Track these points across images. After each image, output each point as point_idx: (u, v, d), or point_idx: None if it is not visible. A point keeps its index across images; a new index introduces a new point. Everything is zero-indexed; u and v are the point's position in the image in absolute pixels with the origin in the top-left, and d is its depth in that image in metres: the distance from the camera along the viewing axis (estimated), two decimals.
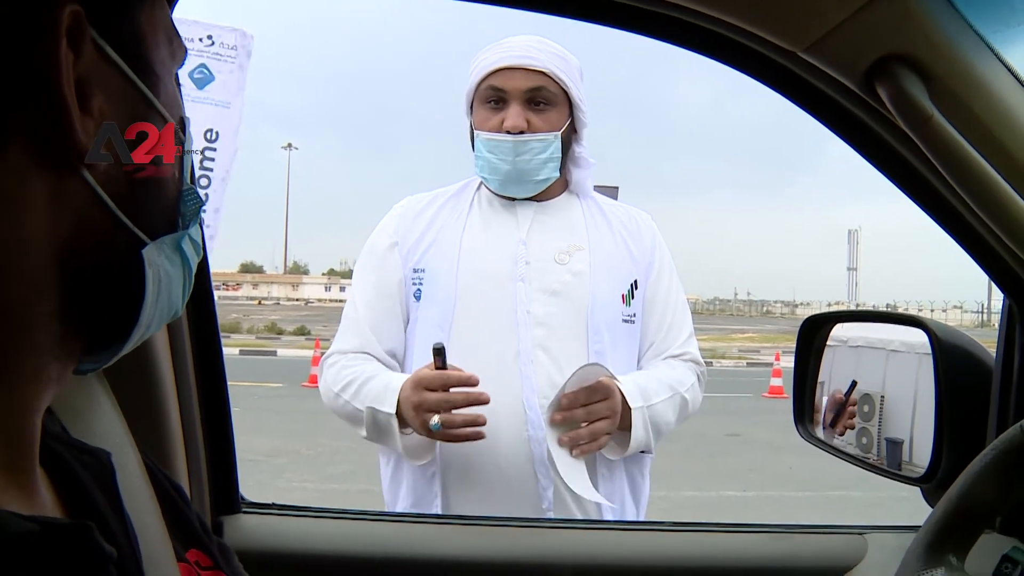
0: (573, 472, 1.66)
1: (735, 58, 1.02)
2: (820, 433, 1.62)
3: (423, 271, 1.87)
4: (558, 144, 1.85)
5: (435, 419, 1.60)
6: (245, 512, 1.32)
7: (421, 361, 1.75)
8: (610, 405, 1.69)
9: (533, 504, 1.72)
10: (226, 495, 1.30)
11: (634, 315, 1.89)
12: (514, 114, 1.81)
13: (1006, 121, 0.99)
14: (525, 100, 1.82)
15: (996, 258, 1.13)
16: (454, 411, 1.61)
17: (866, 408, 1.52)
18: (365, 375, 1.79)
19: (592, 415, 1.68)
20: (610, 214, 1.99)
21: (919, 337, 1.32)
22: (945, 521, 0.87)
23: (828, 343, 1.68)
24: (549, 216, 1.93)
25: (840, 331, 1.66)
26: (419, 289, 1.87)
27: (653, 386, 1.81)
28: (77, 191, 0.50)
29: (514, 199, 1.92)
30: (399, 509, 1.82)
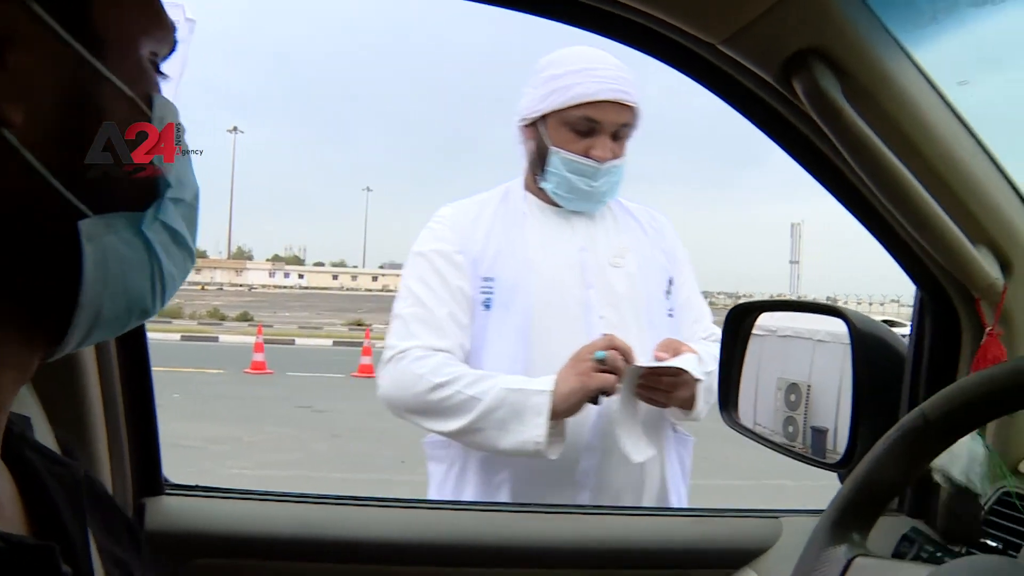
0: (632, 436, 1.76)
1: (657, 48, 1.04)
2: (745, 420, 1.65)
3: (493, 280, 1.91)
4: (623, 167, 1.93)
5: (600, 353, 1.69)
6: (168, 494, 1.32)
7: (496, 370, 1.81)
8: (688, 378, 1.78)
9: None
10: (149, 477, 1.29)
11: (672, 309, 1.99)
12: (604, 145, 1.87)
13: (914, 117, 1.03)
14: (613, 133, 1.89)
15: (907, 250, 1.17)
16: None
17: (792, 397, 1.55)
18: (476, 372, 1.82)
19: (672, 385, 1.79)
20: (637, 215, 2.08)
21: (845, 328, 1.36)
22: (849, 501, 0.89)
23: (758, 332, 1.72)
24: (596, 222, 2.00)
25: (770, 321, 1.69)
26: (489, 298, 1.90)
27: (708, 361, 1.88)
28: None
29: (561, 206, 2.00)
30: None
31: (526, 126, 1.97)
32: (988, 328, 1.15)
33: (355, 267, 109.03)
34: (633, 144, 1.96)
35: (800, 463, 1.51)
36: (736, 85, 1.05)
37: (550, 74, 1.90)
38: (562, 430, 1.74)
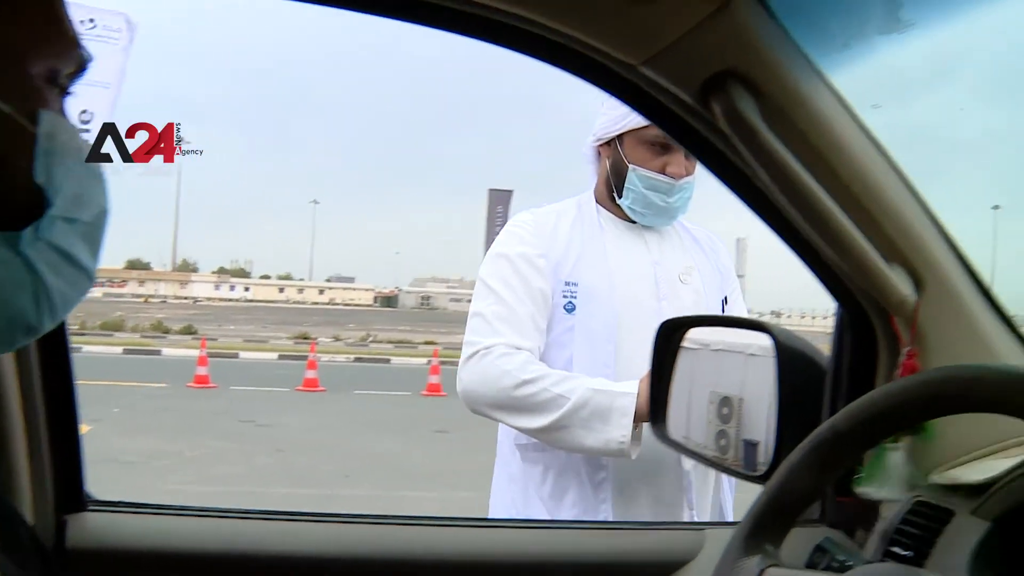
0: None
1: (580, 68, 1.05)
2: (678, 433, 1.67)
3: (576, 284, 1.99)
4: (695, 185, 2.02)
5: None
6: (91, 510, 1.30)
7: (582, 370, 1.90)
8: None
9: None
10: (70, 492, 1.27)
11: None
12: (679, 162, 1.97)
13: (829, 138, 1.06)
14: (686, 150, 1.95)
15: (825, 267, 1.19)
16: None
17: (725, 411, 1.57)
18: (561, 372, 1.89)
19: None
20: (696, 235, 2.19)
21: None
22: (762, 513, 0.91)
23: (691, 347, 1.74)
24: (666, 239, 2.12)
25: (703, 335, 1.72)
26: (571, 301, 1.99)
27: None
28: None
29: (634, 221, 2.09)
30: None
31: (602, 145, 2.07)
32: (906, 348, 1.18)
33: (302, 280, 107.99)
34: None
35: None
36: (658, 104, 1.07)
37: None
38: (640, 433, 1.83)
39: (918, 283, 1.16)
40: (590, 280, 1.99)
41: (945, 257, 1.18)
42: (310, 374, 15.92)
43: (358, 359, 24.35)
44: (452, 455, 9.80)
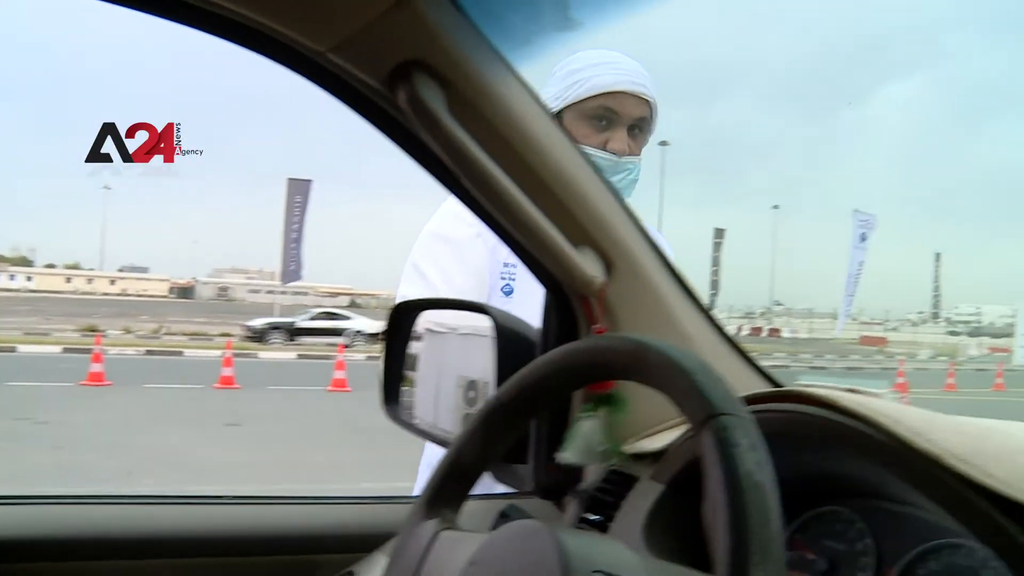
0: None
1: (276, 54, 1.06)
2: (409, 416, 1.71)
3: (515, 266, 1.91)
4: (639, 167, 1.96)
5: None
6: None
7: None
8: None
9: None
10: None
11: None
12: (621, 138, 1.91)
13: (517, 128, 1.11)
14: (629, 125, 1.91)
15: (525, 252, 1.26)
16: None
17: (471, 394, 1.61)
18: None
19: None
20: None
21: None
22: (439, 481, 0.96)
23: (440, 330, 1.78)
24: None
25: (450, 319, 1.76)
26: (509, 284, 1.92)
27: None
28: None
29: None
30: None
31: None
32: (595, 325, 1.26)
33: (91, 270, 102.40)
34: None
35: None
36: (352, 90, 1.10)
37: (569, 70, 1.92)
38: None
39: (608, 265, 1.25)
40: None
41: (634, 240, 1.27)
42: (95, 368, 15.15)
43: (149, 352, 23.40)
44: (243, 448, 9.61)
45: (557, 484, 1.38)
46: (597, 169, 1.22)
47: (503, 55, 1.09)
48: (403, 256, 2.10)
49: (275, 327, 29.95)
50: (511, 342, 1.42)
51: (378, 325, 30.63)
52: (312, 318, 31.15)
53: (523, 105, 1.12)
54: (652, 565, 0.84)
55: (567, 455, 1.27)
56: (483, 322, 1.68)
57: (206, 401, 13.82)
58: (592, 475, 1.33)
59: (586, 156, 1.21)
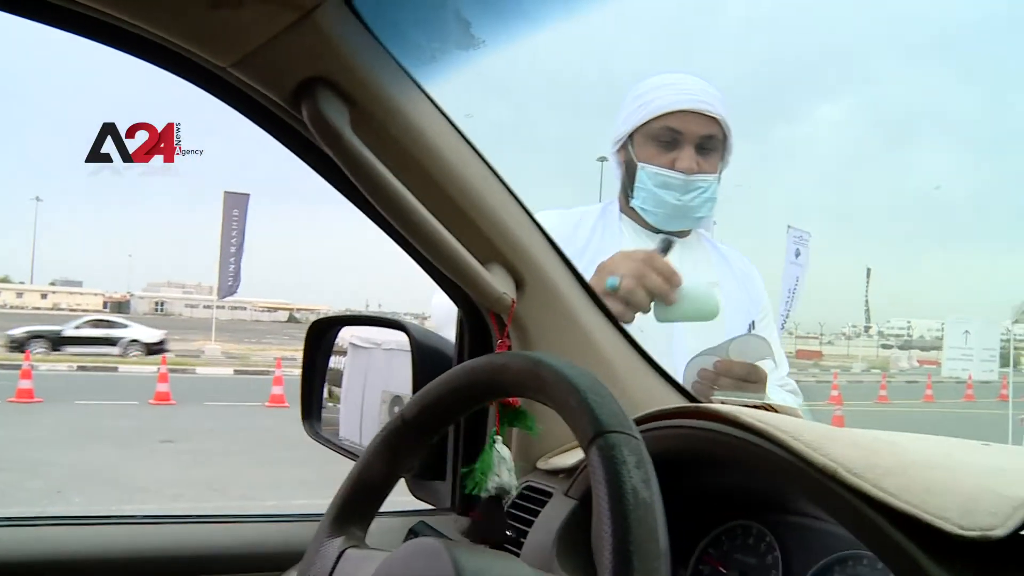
0: None
1: (179, 69, 1.05)
2: (332, 432, 1.70)
3: None
4: (717, 186, 1.93)
5: (611, 280, 1.60)
6: None
7: None
8: (758, 391, 1.67)
9: None
10: None
11: None
12: (688, 156, 1.88)
13: (425, 146, 1.11)
14: (696, 143, 1.89)
15: (434, 269, 1.26)
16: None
17: (396, 409, 1.61)
18: None
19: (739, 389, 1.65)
20: (726, 255, 2.11)
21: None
22: (345, 498, 0.96)
23: (365, 346, 1.78)
24: (688, 252, 2.00)
25: (374, 335, 1.75)
26: None
27: (782, 396, 1.90)
28: None
29: (657, 231, 1.97)
30: None
31: (619, 150, 1.99)
32: (499, 340, 1.26)
33: (22, 283, 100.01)
34: None
35: None
36: (257, 105, 1.09)
37: (635, 95, 1.93)
38: None
39: (518, 282, 1.25)
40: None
41: (545, 257, 1.28)
42: (24, 384, 14.80)
43: (82, 367, 22.86)
44: (177, 466, 9.45)
45: (474, 500, 1.38)
46: (508, 185, 1.23)
47: (410, 72, 1.09)
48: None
49: (37, 336, 28.16)
50: (428, 358, 1.42)
51: (159, 334, 30.11)
52: (79, 326, 29.58)
53: (430, 123, 1.12)
54: None
55: (478, 480, 1.27)
56: (405, 337, 1.68)
57: (141, 417, 13.55)
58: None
59: (497, 172, 1.21)
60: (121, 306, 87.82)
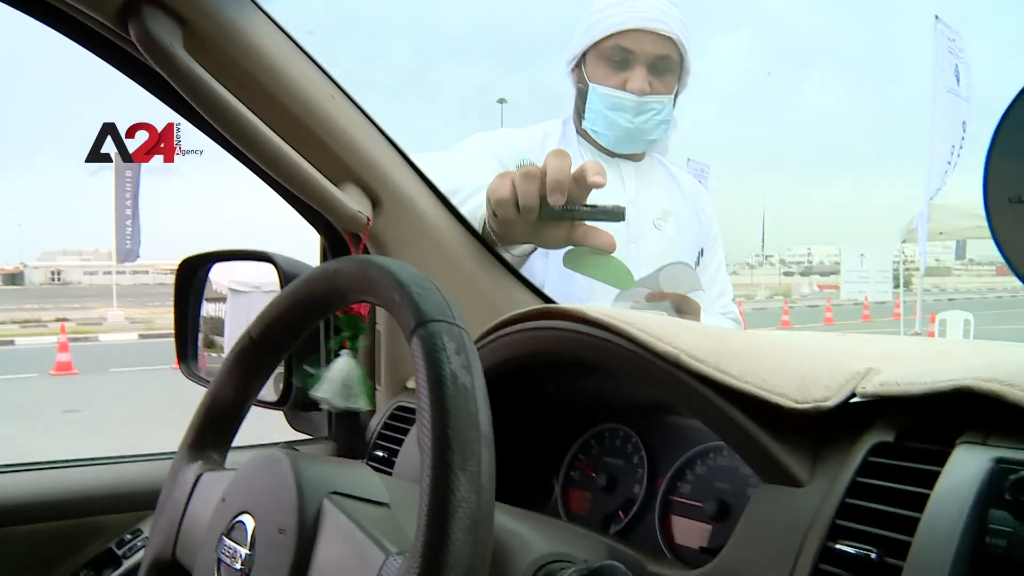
0: None
1: None
2: (208, 373, 1.68)
3: None
4: (671, 107, 1.88)
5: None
6: None
7: None
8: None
9: None
10: None
11: None
12: (640, 77, 1.81)
13: (267, 66, 1.09)
14: (649, 64, 1.82)
15: (288, 192, 1.24)
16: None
17: None
18: None
19: None
20: (680, 180, 2.06)
21: None
22: (200, 424, 0.95)
23: (242, 289, 1.75)
24: (645, 178, 1.96)
25: (253, 278, 1.72)
26: None
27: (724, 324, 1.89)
28: None
29: (613, 155, 1.93)
30: None
31: (572, 70, 1.93)
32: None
33: None
34: None
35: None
36: (83, 28, 1.05)
37: (590, 11, 1.86)
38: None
39: (374, 200, 1.25)
40: None
41: (401, 174, 1.27)
42: None
43: None
44: (80, 435, 9.23)
45: (350, 427, 1.38)
46: (360, 106, 1.21)
47: None
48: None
49: None
50: None
51: None
52: None
53: (271, 42, 1.10)
54: (395, 484, 0.84)
55: (320, 392, 1.27)
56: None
57: (42, 389, 13.17)
58: (380, 414, 1.35)
59: (348, 93, 1.20)
60: (14, 277, 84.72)
